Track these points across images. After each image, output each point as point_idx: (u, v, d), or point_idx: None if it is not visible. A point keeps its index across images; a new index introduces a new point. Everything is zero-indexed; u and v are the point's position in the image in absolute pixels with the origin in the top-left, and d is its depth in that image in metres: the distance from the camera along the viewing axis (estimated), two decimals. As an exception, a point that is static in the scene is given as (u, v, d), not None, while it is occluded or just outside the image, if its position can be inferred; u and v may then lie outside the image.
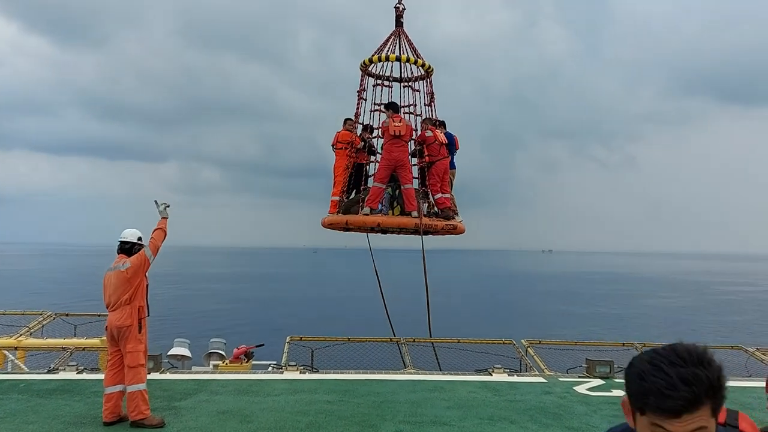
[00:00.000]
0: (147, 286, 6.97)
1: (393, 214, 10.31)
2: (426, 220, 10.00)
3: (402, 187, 10.23)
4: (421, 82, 11.50)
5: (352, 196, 11.12)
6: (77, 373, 8.86)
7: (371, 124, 11.63)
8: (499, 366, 9.70)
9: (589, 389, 8.62)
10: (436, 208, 10.78)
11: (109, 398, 6.61)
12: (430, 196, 10.80)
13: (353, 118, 11.23)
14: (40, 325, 12.17)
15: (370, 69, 11.33)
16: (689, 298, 68.97)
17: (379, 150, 11.15)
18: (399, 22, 11.28)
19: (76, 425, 6.41)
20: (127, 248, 6.97)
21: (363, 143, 11.23)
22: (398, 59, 10.87)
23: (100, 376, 8.54)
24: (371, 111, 11.28)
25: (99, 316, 12.90)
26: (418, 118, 11.28)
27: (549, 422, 6.89)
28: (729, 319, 49.32)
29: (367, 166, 11.45)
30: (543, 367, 10.00)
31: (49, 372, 8.96)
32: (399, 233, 11.34)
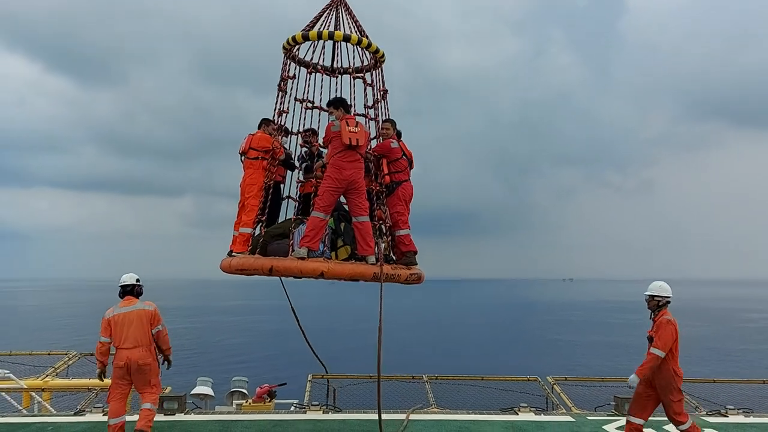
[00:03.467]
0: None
1: (337, 257, 7.58)
2: (387, 269, 7.38)
3: (354, 220, 7.49)
4: (369, 74, 8.67)
5: (257, 229, 8.03)
6: (103, 414, 8.89)
7: (311, 128, 8.63)
8: (525, 404, 9.57)
9: (619, 428, 8.46)
10: (392, 252, 8.16)
11: (118, 428, 7.28)
12: (385, 231, 8.08)
13: (273, 118, 8.40)
14: (65, 366, 12.28)
15: (296, 52, 8.41)
16: (714, 326, 67.62)
17: (297, 163, 8.55)
18: None
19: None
20: (129, 290, 7.65)
21: (286, 155, 8.41)
22: (346, 39, 7.99)
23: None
24: (305, 108, 8.42)
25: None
26: (372, 122, 8.52)
27: (579, 464, 6.77)
28: (761, 348, 48.18)
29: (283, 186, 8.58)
30: (570, 405, 9.86)
31: (76, 414, 9.02)
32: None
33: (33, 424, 8.43)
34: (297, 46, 8.27)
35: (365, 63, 8.53)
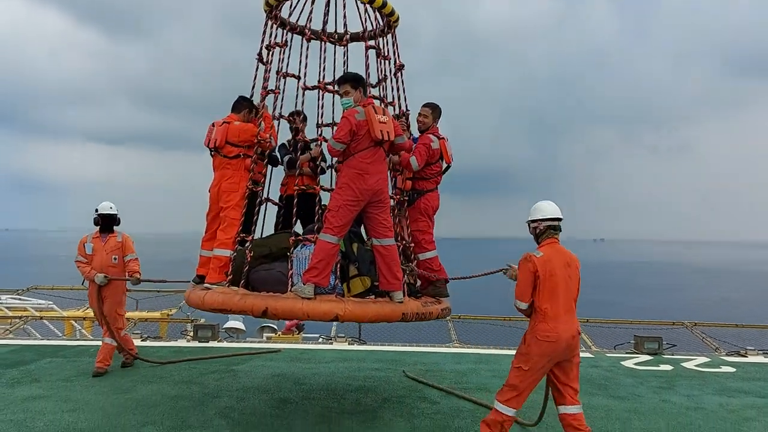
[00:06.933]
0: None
1: (350, 290, 5.61)
2: (415, 306, 5.53)
3: (376, 243, 5.46)
4: (375, 42, 6.33)
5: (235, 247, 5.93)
6: (142, 340, 9.42)
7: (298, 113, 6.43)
8: (545, 341, 9.79)
9: (637, 363, 8.64)
10: (416, 280, 6.24)
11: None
12: (410, 254, 6.21)
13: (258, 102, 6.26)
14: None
15: (279, 12, 6.29)
16: (748, 288, 66.64)
17: (287, 167, 6.46)
18: None
19: (143, 383, 6.89)
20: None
21: (273, 149, 6.34)
22: None
23: (163, 343, 9.20)
24: (303, 87, 6.15)
25: (158, 292, 13.60)
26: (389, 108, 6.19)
27: (595, 392, 6.97)
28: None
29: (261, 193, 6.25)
30: (590, 344, 10.04)
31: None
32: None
33: (76, 346, 8.99)
34: (282, 3, 6.17)
35: (371, 28, 6.30)
